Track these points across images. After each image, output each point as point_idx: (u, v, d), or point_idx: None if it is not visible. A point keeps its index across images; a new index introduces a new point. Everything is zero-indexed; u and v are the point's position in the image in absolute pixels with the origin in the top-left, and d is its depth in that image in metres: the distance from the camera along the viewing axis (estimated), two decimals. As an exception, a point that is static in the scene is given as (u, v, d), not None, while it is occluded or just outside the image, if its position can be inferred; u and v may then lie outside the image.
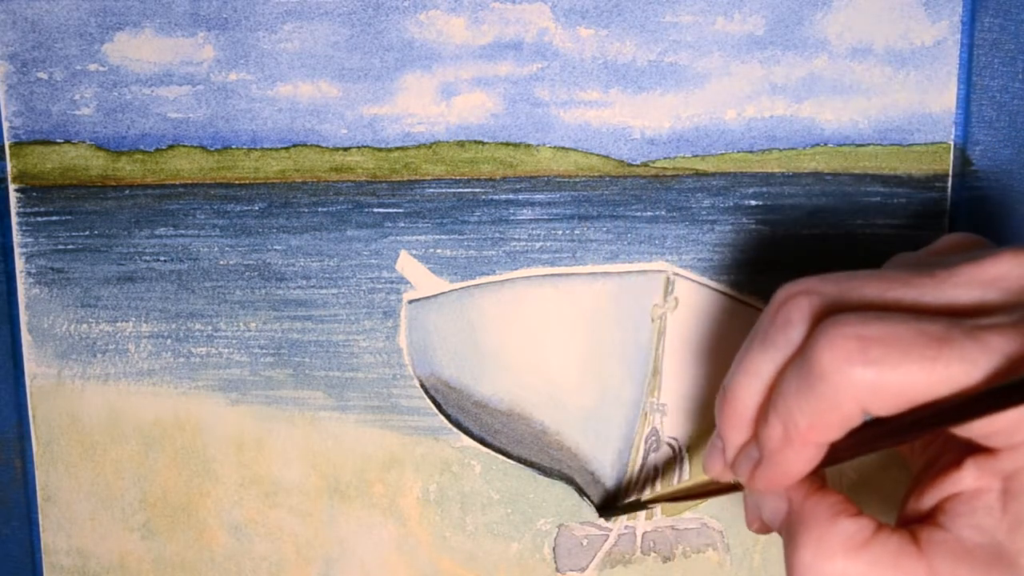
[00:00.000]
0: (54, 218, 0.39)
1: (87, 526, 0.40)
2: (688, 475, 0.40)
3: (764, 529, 0.32)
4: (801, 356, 0.27)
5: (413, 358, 0.39)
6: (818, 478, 0.29)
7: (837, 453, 0.28)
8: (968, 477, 0.27)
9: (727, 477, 0.32)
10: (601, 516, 0.40)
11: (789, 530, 0.28)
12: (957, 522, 0.27)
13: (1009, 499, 0.26)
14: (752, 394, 0.29)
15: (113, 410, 0.40)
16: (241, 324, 0.39)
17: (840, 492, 0.29)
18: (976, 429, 0.26)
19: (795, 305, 0.28)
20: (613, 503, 0.40)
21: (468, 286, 0.39)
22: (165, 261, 0.39)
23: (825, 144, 0.38)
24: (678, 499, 0.37)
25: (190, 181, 0.38)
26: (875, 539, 0.27)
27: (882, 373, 0.25)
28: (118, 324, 0.39)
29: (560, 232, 0.38)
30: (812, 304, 0.28)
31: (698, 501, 0.37)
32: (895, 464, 0.39)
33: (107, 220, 0.39)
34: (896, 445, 0.27)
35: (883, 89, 0.37)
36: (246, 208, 0.38)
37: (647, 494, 0.39)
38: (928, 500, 0.28)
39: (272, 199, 0.38)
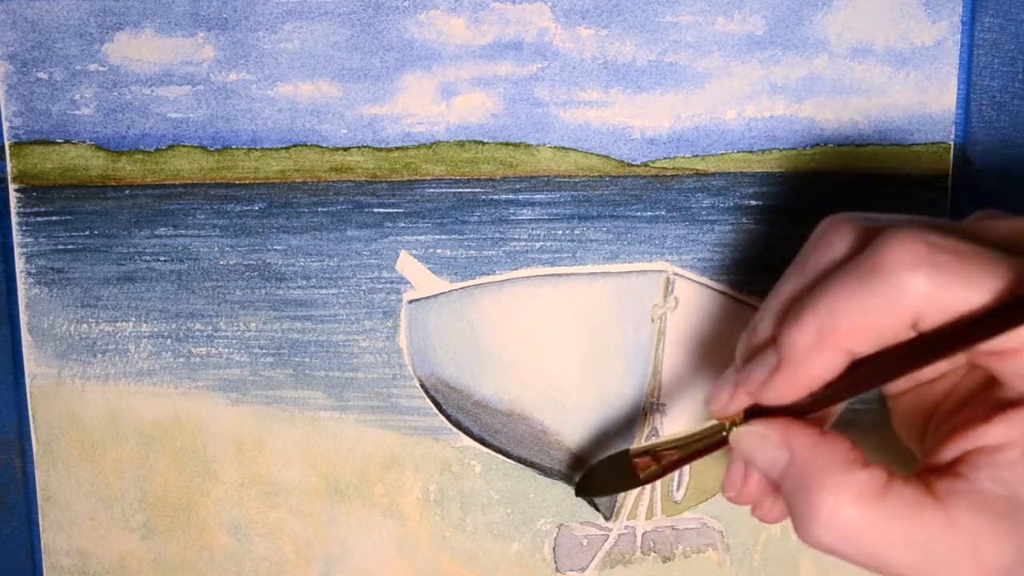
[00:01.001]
0: (54, 218, 0.39)
1: (87, 526, 0.40)
2: (688, 475, 0.40)
3: (741, 498, 0.31)
4: (859, 258, 0.26)
5: (413, 358, 0.39)
6: (819, 424, 0.29)
7: (852, 377, 0.27)
8: (996, 431, 0.27)
9: (729, 410, 0.31)
10: (578, 494, 0.39)
11: (796, 480, 0.27)
12: (979, 474, 0.26)
13: None
14: (783, 292, 0.28)
15: (113, 410, 0.40)
16: (241, 324, 0.39)
17: (848, 440, 0.28)
18: (1010, 369, 0.26)
19: (838, 228, 0.28)
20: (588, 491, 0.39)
21: (468, 286, 0.39)
22: (165, 261, 0.39)
23: (825, 144, 0.38)
24: (676, 468, 0.35)
25: (190, 181, 0.38)
26: (890, 488, 0.26)
27: (948, 280, 0.25)
28: (118, 324, 0.39)
29: (560, 232, 0.38)
30: (857, 226, 0.28)
31: (685, 464, 0.35)
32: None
33: (107, 220, 0.39)
34: (919, 367, 0.27)
35: (883, 89, 0.37)
36: (246, 208, 0.38)
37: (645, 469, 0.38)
38: (949, 453, 0.27)
39: (272, 199, 0.38)
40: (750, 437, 0.29)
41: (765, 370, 0.28)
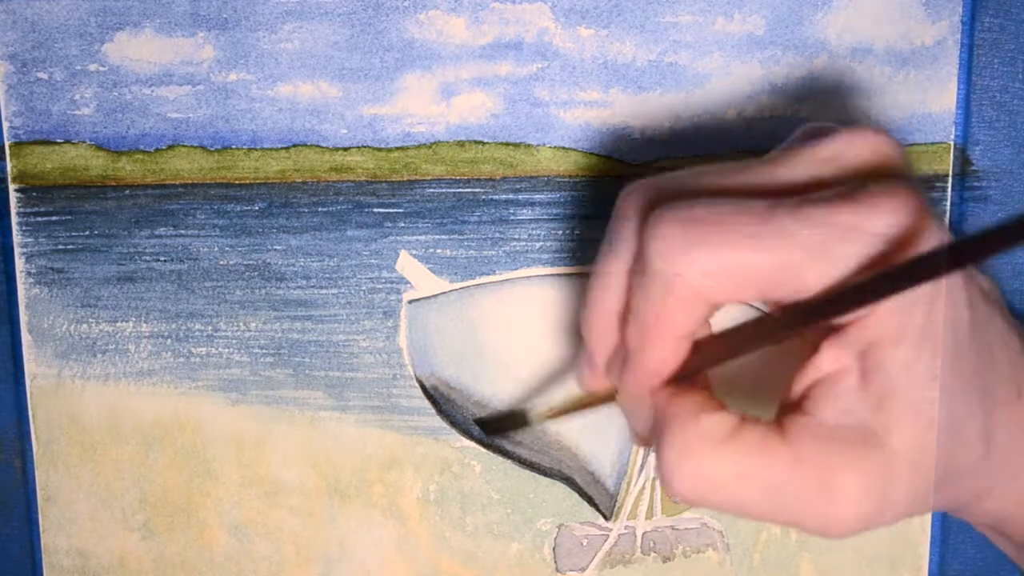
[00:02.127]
0: (54, 218, 0.39)
1: (87, 526, 0.40)
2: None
3: (645, 443, 0.31)
4: (637, 251, 0.27)
5: (413, 358, 0.39)
6: (690, 383, 0.28)
7: (703, 354, 0.27)
8: (825, 360, 0.26)
9: (597, 387, 0.31)
10: (487, 433, 0.39)
11: (656, 435, 0.27)
12: (820, 405, 0.26)
13: (867, 378, 0.26)
14: (606, 297, 0.28)
15: (113, 410, 0.40)
16: (241, 324, 0.39)
17: (704, 391, 0.28)
18: None
19: (627, 203, 0.28)
20: (492, 427, 0.39)
21: (468, 286, 0.39)
22: (165, 261, 0.39)
23: (825, 144, 0.38)
24: (559, 414, 0.36)
25: (190, 181, 0.38)
26: (738, 431, 0.26)
27: (707, 256, 0.25)
28: (118, 324, 0.39)
29: (560, 232, 0.38)
30: (644, 197, 0.27)
31: (577, 413, 0.36)
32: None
33: (107, 220, 0.39)
34: (755, 349, 0.27)
35: (883, 89, 0.37)
36: (246, 208, 0.38)
37: (534, 410, 0.38)
38: (795, 391, 0.27)
39: (272, 199, 0.38)
40: (624, 398, 0.30)
41: (619, 364, 0.29)
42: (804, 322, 0.25)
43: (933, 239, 0.24)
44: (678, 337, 0.27)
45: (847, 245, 0.24)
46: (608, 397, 0.32)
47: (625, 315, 0.28)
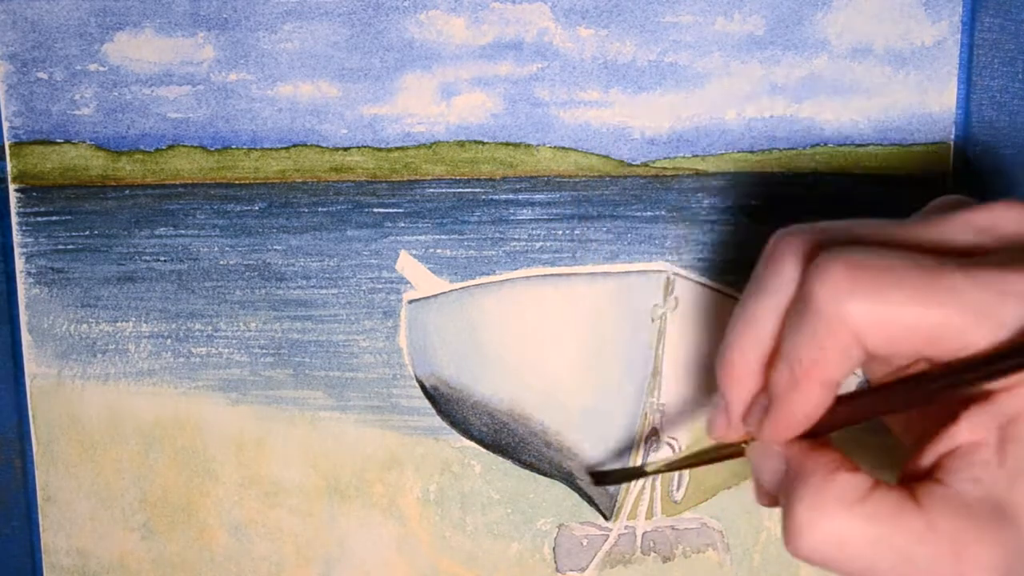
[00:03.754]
0: (54, 218, 0.39)
1: (87, 526, 0.40)
2: (688, 475, 0.40)
3: (771, 502, 0.31)
4: (798, 293, 0.26)
5: (413, 358, 0.39)
6: (821, 441, 0.29)
7: (843, 412, 0.27)
8: (964, 430, 0.26)
9: (730, 437, 0.31)
10: (595, 483, 0.39)
11: (786, 489, 0.27)
12: (955, 477, 0.26)
13: (1006, 450, 0.26)
14: (751, 344, 0.28)
15: (113, 410, 0.40)
16: (241, 324, 0.39)
17: (838, 450, 0.28)
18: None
19: (787, 246, 0.28)
20: (605, 479, 0.39)
21: (468, 286, 0.39)
22: (165, 261, 0.39)
23: (825, 144, 0.38)
24: (680, 467, 0.36)
25: (190, 181, 0.38)
26: (872, 494, 0.26)
27: (874, 303, 0.25)
28: (118, 324, 0.39)
29: (560, 232, 0.38)
30: (804, 243, 0.27)
31: (700, 467, 0.36)
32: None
33: (107, 220, 0.39)
34: (902, 410, 0.27)
35: (883, 89, 0.37)
36: (246, 208, 0.38)
37: (643, 463, 0.38)
38: (927, 459, 0.27)
39: (272, 199, 0.38)
40: (755, 450, 0.30)
41: (760, 413, 0.29)
42: (959, 382, 0.25)
43: None
44: (829, 384, 0.27)
45: (1015, 309, 0.24)
46: (735, 451, 0.31)
47: (773, 360, 0.28)
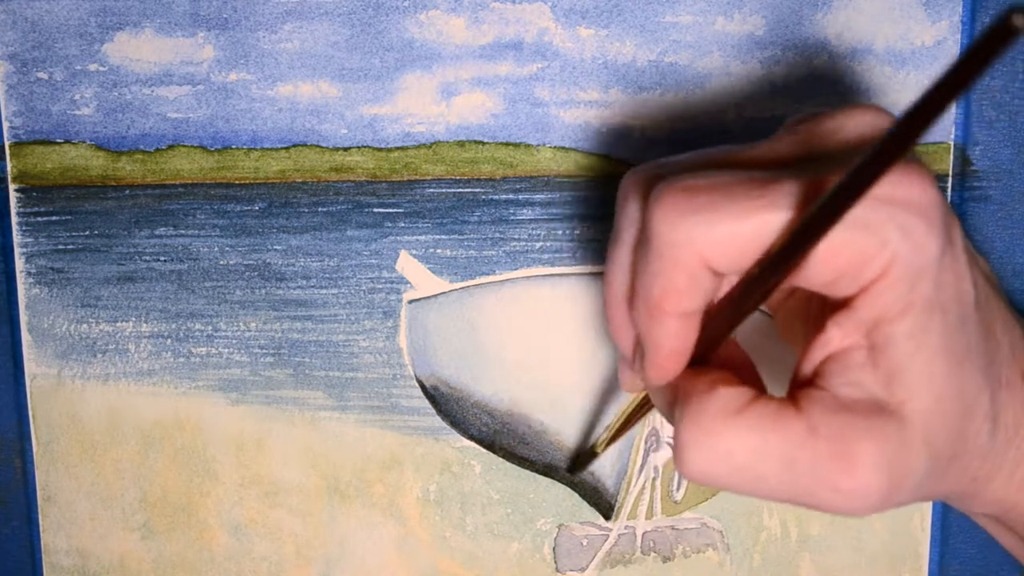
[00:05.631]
0: (54, 218, 0.39)
1: (87, 526, 0.40)
2: (688, 475, 0.40)
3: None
4: (641, 228, 0.26)
5: (413, 358, 0.39)
6: (703, 367, 0.28)
7: (713, 329, 0.27)
8: (833, 338, 0.26)
9: (637, 387, 0.31)
10: (571, 473, 0.39)
11: (674, 415, 0.27)
12: (834, 381, 0.26)
13: (877, 354, 0.25)
14: (617, 285, 0.28)
15: (113, 410, 0.40)
16: (241, 324, 0.39)
17: (720, 370, 0.27)
18: (816, 279, 0.25)
19: (629, 185, 0.28)
20: (574, 467, 0.40)
21: (468, 286, 0.39)
22: (165, 261, 0.39)
23: (825, 144, 0.38)
24: (617, 435, 0.36)
25: (190, 181, 0.38)
26: (752, 405, 0.26)
27: (710, 221, 0.24)
28: (118, 324, 0.39)
29: (560, 232, 0.38)
30: (644, 179, 0.27)
31: (637, 424, 0.36)
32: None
33: (107, 220, 0.39)
34: (752, 306, 0.26)
35: (883, 89, 0.37)
36: (246, 208, 0.38)
37: (598, 439, 0.38)
38: (806, 368, 0.27)
39: (272, 199, 0.38)
40: (651, 393, 0.29)
41: (640, 357, 0.28)
42: (793, 253, 0.24)
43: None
44: (686, 315, 0.26)
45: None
46: (647, 405, 0.32)
47: (633, 300, 0.27)
